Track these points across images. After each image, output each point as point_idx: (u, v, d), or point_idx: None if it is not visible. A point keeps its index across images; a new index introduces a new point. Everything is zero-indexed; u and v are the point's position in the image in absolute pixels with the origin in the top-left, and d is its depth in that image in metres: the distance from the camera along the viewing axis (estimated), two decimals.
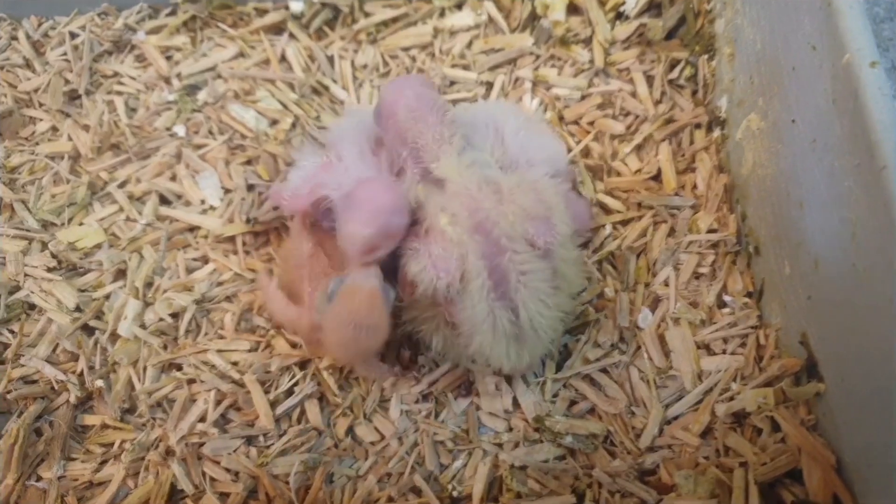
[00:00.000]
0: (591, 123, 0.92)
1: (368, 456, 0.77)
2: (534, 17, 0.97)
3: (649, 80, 0.91)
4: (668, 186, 0.86)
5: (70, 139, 0.94)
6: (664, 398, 0.76)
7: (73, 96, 0.97)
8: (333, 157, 0.75)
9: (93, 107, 0.95)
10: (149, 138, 0.93)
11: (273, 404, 0.79)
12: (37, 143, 0.95)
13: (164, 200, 0.91)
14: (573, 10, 0.97)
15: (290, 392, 0.79)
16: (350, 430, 0.79)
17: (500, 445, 0.77)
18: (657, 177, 0.87)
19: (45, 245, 0.88)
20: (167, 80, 0.97)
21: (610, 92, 0.91)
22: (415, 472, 0.75)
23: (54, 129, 0.96)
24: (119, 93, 0.97)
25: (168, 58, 0.99)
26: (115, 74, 0.98)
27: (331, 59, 0.98)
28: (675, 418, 0.75)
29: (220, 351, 0.82)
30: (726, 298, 0.80)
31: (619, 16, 0.96)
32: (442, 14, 0.99)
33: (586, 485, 0.73)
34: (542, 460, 0.74)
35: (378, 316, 0.69)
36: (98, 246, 0.88)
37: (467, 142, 0.70)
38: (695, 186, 0.86)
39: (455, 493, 0.74)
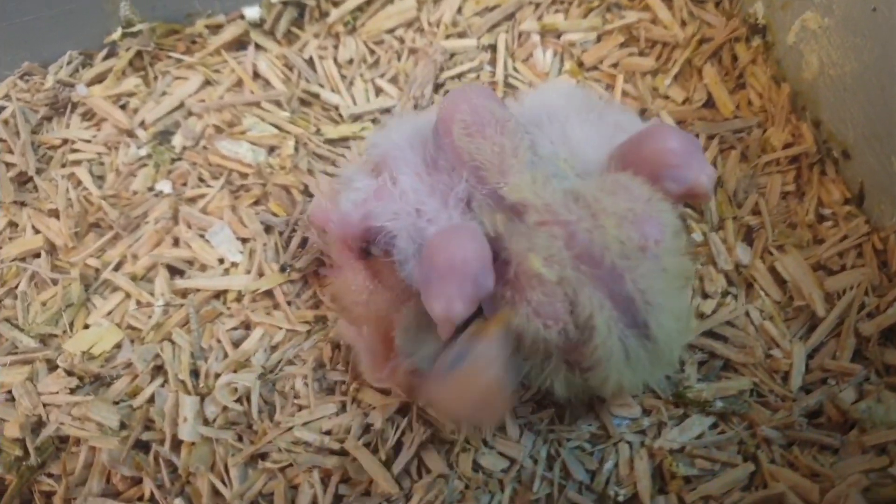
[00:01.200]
0: (616, 65, 0.84)
1: (505, 486, 0.69)
2: None
3: (667, 2, 0.84)
4: (725, 110, 0.79)
5: (37, 231, 0.79)
6: (798, 332, 0.71)
7: (22, 181, 0.82)
8: (387, 180, 0.64)
9: (52, 187, 0.80)
10: (131, 205, 0.80)
11: (387, 464, 0.69)
12: None
13: (174, 272, 0.78)
14: None
15: (399, 445, 0.70)
16: (475, 464, 0.70)
17: (643, 433, 0.70)
18: (708, 103, 0.81)
19: (53, 364, 0.74)
20: (130, 133, 0.83)
21: (629, 25, 0.83)
22: (565, 490, 0.68)
23: (13, 224, 0.80)
24: (77, 162, 0.82)
25: (122, 107, 0.84)
26: (65, 142, 0.83)
27: (310, 63, 0.85)
28: (817, 350, 0.70)
29: (306, 424, 0.71)
30: (824, 212, 0.75)
31: None
32: None
33: (755, 446, 0.67)
34: (698, 435, 0.69)
35: (497, 403, 0.59)
36: (118, 346, 0.74)
37: (534, 151, 0.60)
38: (750, 103, 0.80)
39: (621, 498, 0.67)
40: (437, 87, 0.84)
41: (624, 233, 0.55)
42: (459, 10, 0.86)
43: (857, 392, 0.67)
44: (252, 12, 0.85)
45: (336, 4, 0.87)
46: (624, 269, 0.55)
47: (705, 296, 0.74)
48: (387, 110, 0.84)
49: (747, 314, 0.72)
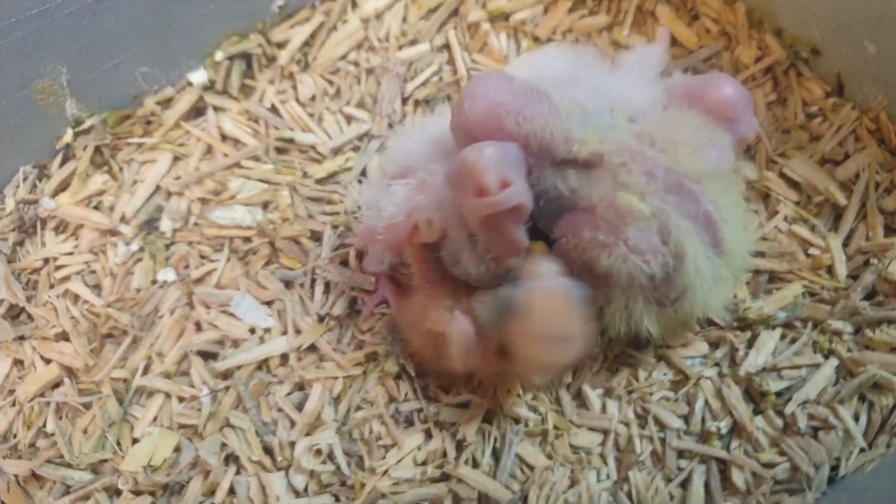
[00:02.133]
0: (570, 31, 0.85)
1: (607, 457, 0.69)
2: None
3: None
4: (689, 44, 0.82)
5: (48, 361, 0.73)
6: (827, 225, 0.74)
7: (14, 314, 0.76)
8: (426, 174, 0.63)
9: (49, 312, 0.75)
10: (139, 304, 0.75)
11: (491, 473, 0.68)
12: (11, 391, 0.73)
13: (207, 357, 0.74)
14: None
15: (495, 452, 0.69)
16: (572, 447, 0.70)
17: (718, 365, 0.71)
18: (674, 42, 0.83)
19: (113, 489, 0.69)
20: (114, 233, 0.78)
21: None
22: (666, 441, 0.69)
23: (18, 362, 0.74)
24: (66, 278, 0.76)
25: (97, 208, 0.79)
26: (47, 262, 0.77)
27: (274, 110, 0.83)
28: (849, 237, 0.73)
29: (399, 462, 0.69)
30: (811, 111, 0.78)
31: None
32: (354, 4, 0.86)
33: (829, 342, 0.69)
34: (773, 351, 0.70)
35: (574, 325, 0.59)
36: (177, 449, 0.70)
37: (582, 110, 0.60)
38: (708, 31, 0.82)
39: (723, 430, 0.68)
40: (405, 100, 0.83)
41: (697, 159, 0.59)
42: (405, 19, 0.86)
43: None
44: (199, 76, 0.82)
45: (281, 46, 0.85)
46: (699, 192, 0.59)
47: None
48: (364, 135, 0.82)
49: (772, 221, 0.75)
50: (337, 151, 0.82)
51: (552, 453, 0.69)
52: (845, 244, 0.73)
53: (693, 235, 0.58)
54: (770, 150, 0.77)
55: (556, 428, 0.70)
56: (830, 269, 0.72)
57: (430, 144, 0.64)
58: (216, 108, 0.83)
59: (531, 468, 0.69)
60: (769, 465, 0.66)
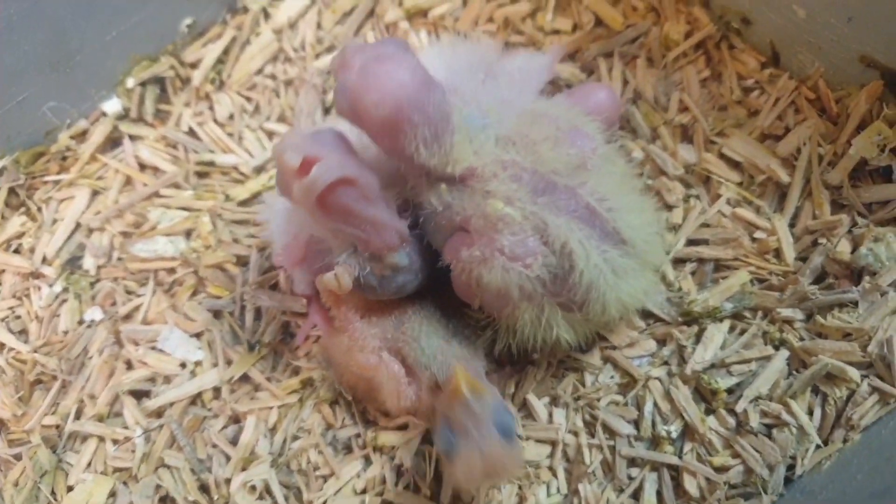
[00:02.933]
0: (491, 20, 0.81)
1: (556, 470, 0.66)
2: None
3: None
4: (616, 24, 0.77)
5: None
6: (771, 205, 0.70)
7: None
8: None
9: None
10: (67, 347, 0.73)
11: (434, 498, 0.65)
12: None
13: (139, 395, 0.71)
14: None
15: (437, 475, 0.66)
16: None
17: (666, 363, 0.68)
18: (598, 23, 0.78)
19: None
20: (36, 275, 0.76)
21: None
22: (616, 449, 0.65)
23: None
24: None
25: (17, 251, 0.77)
26: None
27: (192, 133, 0.80)
28: (796, 216, 0.69)
29: (338, 492, 0.66)
30: (747, 84, 0.73)
31: None
32: (267, 15, 0.83)
33: (779, 331, 0.65)
34: (720, 346, 0.66)
35: (513, 469, 0.56)
36: (112, 494, 0.68)
37: (459, 112, 0.56)
38: (635, 9, 0.78)
39: (674, 434, 0.64)
40: (327, 111, 0.80)
41: (561, 152, 0.56)
42: (319, 26, 0.82)
43: (851, 241, 0.66)
44: (112, 105, 0.79)
45: (194, 66, 0.81)
46: (575, 185, 0.56)
47: (669, 207, 0.72)
48: None
49: (710, 209, 0.71)
50: (260, 170, 0.79)
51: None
52: (792, 224, 0.69)
53: (577, 231, 0.54)
54: (707, 130, 0.72)
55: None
56: (778, 253, 0.68)
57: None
58: (132, 137, 0.80)
59: (475, 488, 0.66)
60: (722, 469, 0.63)
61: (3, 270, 0.76)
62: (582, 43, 0.78)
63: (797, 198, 0.69)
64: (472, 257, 0.56)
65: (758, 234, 0.69)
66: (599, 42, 0.77)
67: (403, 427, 0.68)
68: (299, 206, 0.54)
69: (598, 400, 0.67)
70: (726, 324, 0.67)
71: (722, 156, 0.72)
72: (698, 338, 0.67)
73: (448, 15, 0.81)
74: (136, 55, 0.80)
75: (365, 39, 0.81)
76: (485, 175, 0.55)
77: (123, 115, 0.80)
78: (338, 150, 0.54)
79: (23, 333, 0.75)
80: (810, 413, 0.63)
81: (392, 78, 0.51)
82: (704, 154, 0.72)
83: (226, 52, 0.82)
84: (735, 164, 0.72)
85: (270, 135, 0.80)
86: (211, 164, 0.79)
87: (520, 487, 0.66)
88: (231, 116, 0.80)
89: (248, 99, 0.81)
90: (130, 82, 0.80)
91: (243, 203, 0.77)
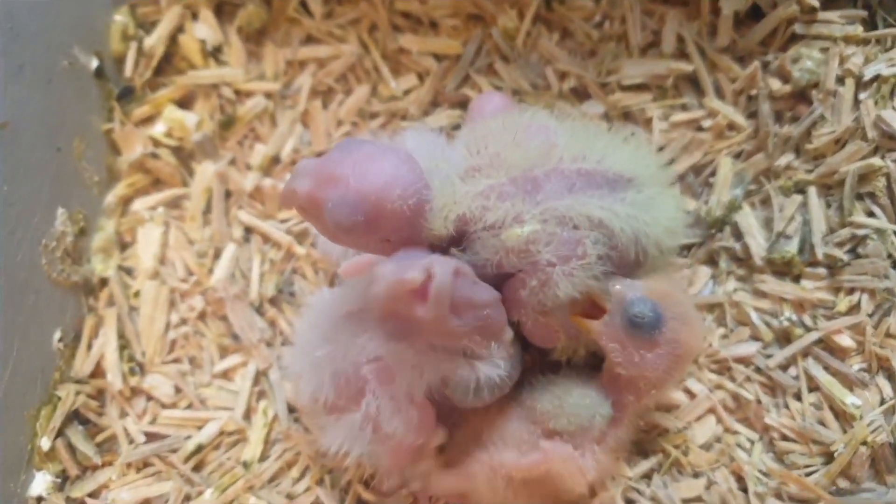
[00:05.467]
0: (340, 123, 0.77)
1: None
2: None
3: None
4: (455, 50, 0.76)
5: None
6: (694, 96, 0.73)
7: None
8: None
9: None
10: None
11: None
12: None
13: None
14: None
15: None
16: None
17: (731, 273, 0.69)
18: (442, 58, 0.77)
19: None
20: None
21: None
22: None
23: None
24: None
25: None
26: None
27: None
28: (718, 91, 0.73)
29: None
30: (595, 21, 0.75)
31: None
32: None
33: (789, 179, 0.69)
34: (760, 225, 0.69)
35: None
36: None
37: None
38: (455, 28, 0.77)
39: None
40: None
41: (528, 147, 0.56)
42: None
43: (778, 75, 0.71)
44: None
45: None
46: (554, 166, 0.55)
47: None
48: None
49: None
50: None
51: None
52: (721, 98, 0.73)
53: (590, 199, 0.54)
54: (595, 78, 0.74)
55: None
56: (732, 125, 0.72)
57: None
58: None
59: None
60: (853, 309, 0.65)
61: None
62: (436, 85, 0.76)
63: (707, 75, 0.73)
64: (533, 290, 0.54)
65: (705, 124, 0.72)
66: (452, 73, 0.76)
67: None
68: (429, 328, 0.51)
69: None
70: (746, 207, 0.70)
71: (624, 87, 0.74)
72: (735, 236, 0.70)
73: (301, 147, 0.76)
74: None
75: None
76: (475, 214, 0.54)
77: None
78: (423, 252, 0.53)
79: None
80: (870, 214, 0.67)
81: (392, 166, 0.51)
82: (610, 98, 0.74)
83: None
84: (640, 87, 0.74)
85: None
86: None
87: None
88: None
89: None
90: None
91: None
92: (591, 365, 0.61)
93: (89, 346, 0.70)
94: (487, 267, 0.54)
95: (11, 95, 0.63)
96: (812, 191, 0.68)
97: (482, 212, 0.54)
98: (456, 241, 0.55)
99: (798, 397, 0.65)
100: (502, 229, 0.54)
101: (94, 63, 0.72)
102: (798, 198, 0.68)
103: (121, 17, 0.75)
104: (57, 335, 0.68)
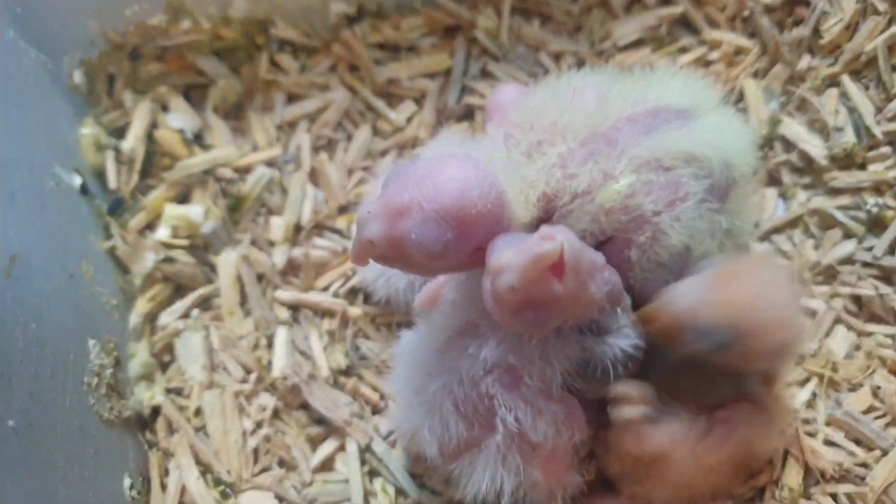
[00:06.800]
0: (350, 172, 0.72)
1: None
2: None
3: None
4: (444, 65, 0.74)
5: None
6: None
7: None
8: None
9: None
10: None
11: None
12: None
13: None
14: None
15: None
16: None
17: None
18: (433, 75, 0.74)
19: None
20: None
21: None
22: None
23: None
24: None
25: None
26: None
27: None
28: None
29: None
30: None
31: None
32: None
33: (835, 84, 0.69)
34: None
35: None
36: None
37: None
38: (435, 46, 0.75)
39: None
40: None
41: (576, 106, 0.53)
42: None
43: None
44: None
45: None
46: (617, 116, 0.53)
47: None
48: None
49: None
50: None
51: None
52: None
53: (670, 132, 0.51)
54: (592, 51, 0.73)
55: None
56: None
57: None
58: None
59: None
60: None
61: None
62: (436, 104, 0.73)
63: (697, 11, 0.73)
64: (642, 247, 0.51)
65: (713, 56, 0.72)
66: (448, 87, 0.74)
67: None
68: (566, 302, 0.45)
69: None
70: (785, 118, 0.69)
71: (621, 48, 0.73)
72: (786, 148, 0.69)
73: (319, 208, 0.70)
74: None
75: None
76: (560, 186, 0.50)
77: None
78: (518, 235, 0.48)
79: None
80: None
81: (457, 170, 0.47)
82: (611, 62, 0.72)
83: None
84: (637, 43, 0.73)
85: None
86: None
87: None
88: None
89: None
90: None
91: None
92: None
93: (163, 486, 0.60)
94: (585, 238, 0.50)
95: (11, 225, 0.55)
96: (845, 78, 0.67)
97: (567, 181, 0.49)
98: (543, 223, 0.49)
99: None
100: (595, 192, 0.49)
101: (78, 181, 0.65)
102: (833, 91, 0.68)
103: (88, 130, 0.68)
104: (127, 482, 0.59)
